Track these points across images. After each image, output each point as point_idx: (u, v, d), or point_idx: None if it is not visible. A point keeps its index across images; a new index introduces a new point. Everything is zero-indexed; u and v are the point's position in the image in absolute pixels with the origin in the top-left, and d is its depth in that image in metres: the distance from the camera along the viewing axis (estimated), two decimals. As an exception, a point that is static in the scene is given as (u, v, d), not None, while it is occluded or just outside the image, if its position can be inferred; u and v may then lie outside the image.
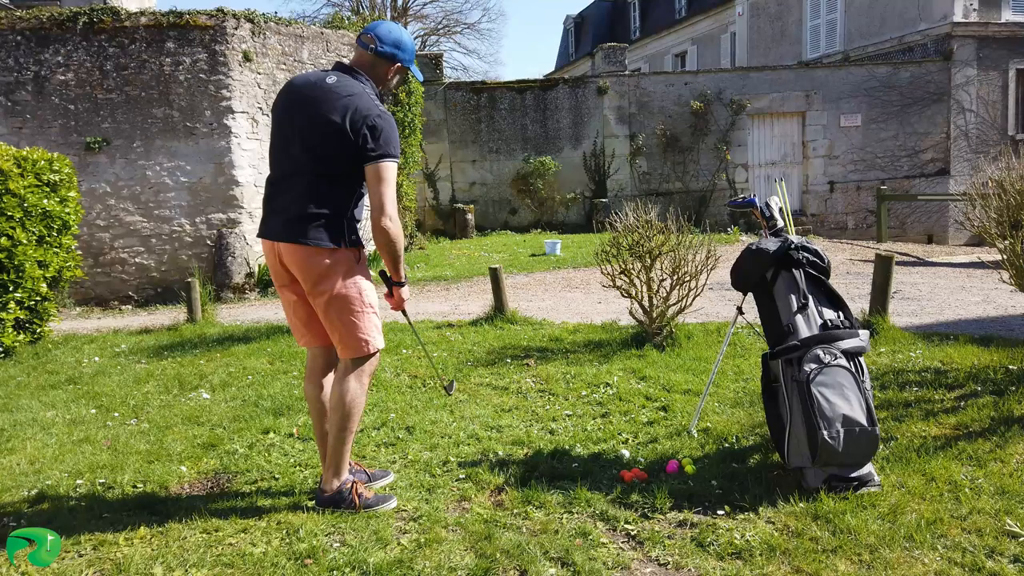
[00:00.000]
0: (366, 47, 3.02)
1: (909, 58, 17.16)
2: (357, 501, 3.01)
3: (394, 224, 2.88)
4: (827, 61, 18.88)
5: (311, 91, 2.90)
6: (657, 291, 5.61)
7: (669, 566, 2.55)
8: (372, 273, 3.10)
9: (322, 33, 11.36)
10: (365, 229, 2.91)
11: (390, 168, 2.87)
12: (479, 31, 49.09)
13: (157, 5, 25.90)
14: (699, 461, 3.37)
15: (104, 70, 9.69)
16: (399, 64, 3.07)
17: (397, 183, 13.98)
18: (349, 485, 3.04)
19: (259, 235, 3.06)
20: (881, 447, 3.33)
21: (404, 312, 3.26)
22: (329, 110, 2.84)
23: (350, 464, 3.25)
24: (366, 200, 2.99)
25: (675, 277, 5.51)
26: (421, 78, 3.39)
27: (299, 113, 2.91)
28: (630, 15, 31.89)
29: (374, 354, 3.05)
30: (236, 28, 10.03)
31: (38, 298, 6.67)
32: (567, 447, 3.65)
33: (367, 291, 3.00)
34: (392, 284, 3.09)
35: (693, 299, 5.50)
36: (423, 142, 14.19)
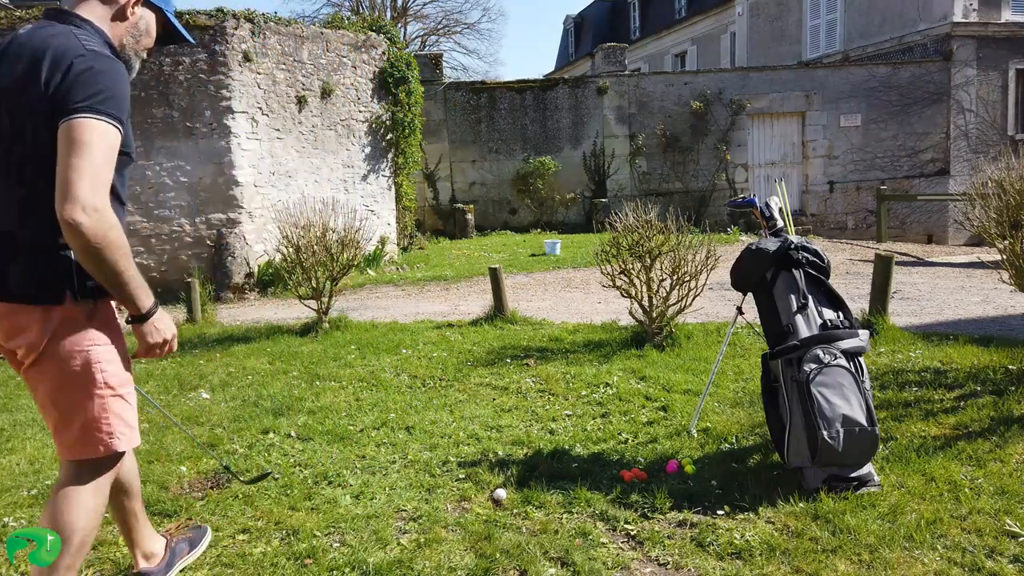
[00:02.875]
0: None
1: (909, 58, 17.16)
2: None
3: (94, 216, 1.78)
4: (827, 61, 18.88)
5: (7, 51, 1.97)
6: (657, 291, 5.61)
7: (669, 566, 2.55)
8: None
9: (322, 33, 11.36)
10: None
11: (91, 127, 1.81)
12: (479, 31, 49.20)
13: (157, 5, 25.82)
14: (699, 461, 3.37)
15: (104, 70, 9.68)
16: None
17: (396, 183, 14.26)
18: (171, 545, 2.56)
19: None
20: (881, 447, 3.33)
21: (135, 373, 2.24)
22: (16, 70, 1.90)
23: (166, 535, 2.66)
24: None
25: (675, 277, 5.52)
26: (190, 39, 2.33)
27: None
28: (630, 15, 31.90)
29: (113, 455, 2.08)
30: (236, 28, 10.02)
31: (38, 298, 6.67)
32: (567, 447, 3.65)
33: (106, 363, 2.04)
34: (130, 320, 2.05)
35: (693, 299, 5.50)
36: (423, 142, 14.20)
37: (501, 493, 3.10)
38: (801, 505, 2.87)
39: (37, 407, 2.18)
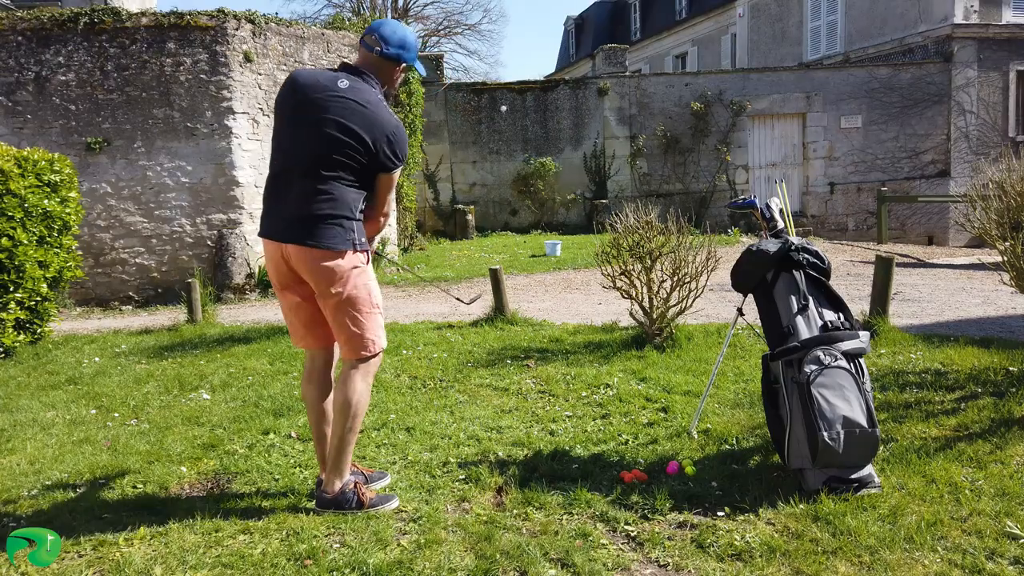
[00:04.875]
0: (371, 49, 3.00)
1: (910, 59, 17.16)
2: (364, 500, 3.00)
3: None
4: (828, 63, 18.89)
5: (324, 95, 2.88)
6: (657, 292, 5.61)
7: (669, 567, 2.55)
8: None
9: (323, 34, 11.37)
10: None
11: (397, 175, 3.06)
12: (480, 32, 48.99)
13: (158, 6, 25.91)
14: (699, 462, 3.37)
15: (105, 70, 9.70)
16: (405, 64, 3.08)
17: (397, 184, 14.16)
18: (352, 486, 3.03)
19: (261, 234, 3.03)
20: (881, 448, 3.33)
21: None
22: (347, 118, 2.85)
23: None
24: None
25: (675, 278, 5.51)
26: (424, 73, 3.43)
27: (312, 116, 2.88)
28: (631, 16, 31.91)
29: (378, 354, 3.08)
30: (237, 29, 10.03)
31: (38, 298, 6.68)
32: (567, 448, 3.65)
33: (375, 292, 3.05)
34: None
35: (693, 300, 5.50)
36: (423, 143, 14.20)
37: None
38: (801, 506, 2.87)
39: (308, 327, 3.16)
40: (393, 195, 3.05)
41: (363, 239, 2.97)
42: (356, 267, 2.94)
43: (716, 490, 3.08)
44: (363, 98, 2.89)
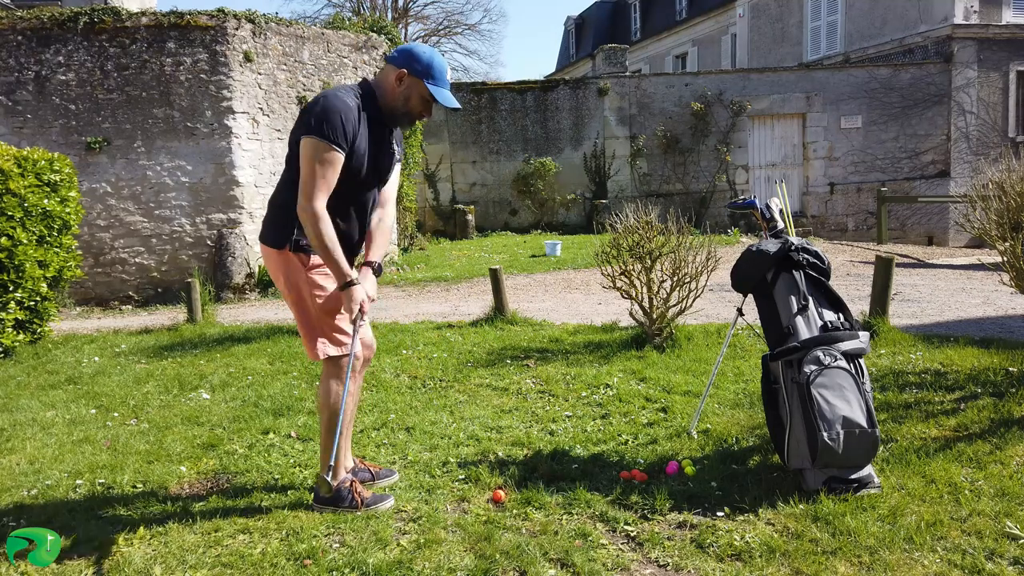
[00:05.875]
0: (385, 56, 3.07)
1: (910, 60, 17.16)
2: (359, 500, 3.01)
3: (311, 210, 2.71)
4: (828, 63, 18.89)
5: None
6: (657, 292, 5.61)
7: (669, 567, 2.55)
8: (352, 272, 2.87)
9: (323, 34, 11.37)
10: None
11: (311, 145, 2.72)
12: (480, 32, 49.11)
13: (158, 5, 25.93)
14: (699, 462, 3.37)
15: (105, 70, 9.70)
16: (405, 72, 2.86)
17: (398, 183, 14.08)
18: (348, 484, 3.04)
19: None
20: (881, 449, 3.33)
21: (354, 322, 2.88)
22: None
23: (356, 462, 3.27)
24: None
25: (675, 278, 5.51)
26: (453, 105, 2.95)
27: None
28: (631, 16, 31.90)
29: (337, 356, 2.98)
30: (237, 28, 10.03)
31: (38, 298, 6.67)
32: (567, 448, 3.65)
33: (328, 296, 2.94)
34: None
35: (693, 300, 5.50)
36: (423, 143, 14.20)
37: None
38: (801, 507, 2.87)
39: None
40: (311, 173, 2.71)
41: (306, 241, 2.86)
42: (294, 266, 2.94)
43: (716, 490, 3.08)
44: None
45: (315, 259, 2.90)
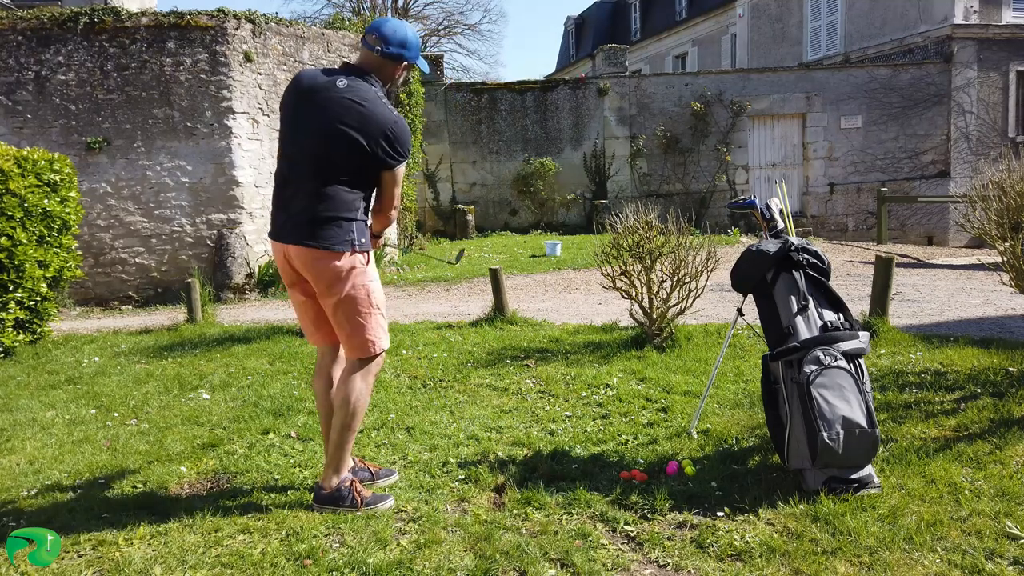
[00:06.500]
0: (372, 48, 3.01)
1: (910, 60, 17.17)
2: (359, 500, 3.01)
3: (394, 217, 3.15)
4: (828, 63, 18.89)
5: (322, 95, 2.90)
6: (657, 292, 5.61)
7: (669, 567, 2.55)
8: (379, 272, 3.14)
9: (323, 34, 11.37)
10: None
11: (402, 170, 3.04)
12: (480, 32, 48.96)
13: (158, 5, 25.92)
14: (699, 462, 3.37)
15: (105, 70, 9.69)
16: (406, 63, 3.08)
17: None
18: (348, 483, 3.04)
19: (269, 235, 3.08)
20: (881, 449, 3.33)
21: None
22: (342, 118, 2.85)
23: (355, 462, 3.27)
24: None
25: (675, 278, 5.51)
26: (427, 70, 3.36)
27: (311, 117, 2.91)
28: (631, 16, 31.91)
29: (379, 354, 3.13)
30: (237, 29, 10.03)
31: (38, 298, 6.67)
32: (567, 448, 3.65)
33: (375, 292, 3.05)
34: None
35: (693, 300, 5.50)
36: (423, 143, 14.20)
37: None
38: (801, 507, 2.87)
39: (316, 324, 3.18)
40: (399, 189, 3.04)
41: (363, 240, 2.98)
42: (354, 267, 2.95)
43: (716, 490, 3.08)
44: (360, 96, 2.89)
45: (369, 256, 3.08)
